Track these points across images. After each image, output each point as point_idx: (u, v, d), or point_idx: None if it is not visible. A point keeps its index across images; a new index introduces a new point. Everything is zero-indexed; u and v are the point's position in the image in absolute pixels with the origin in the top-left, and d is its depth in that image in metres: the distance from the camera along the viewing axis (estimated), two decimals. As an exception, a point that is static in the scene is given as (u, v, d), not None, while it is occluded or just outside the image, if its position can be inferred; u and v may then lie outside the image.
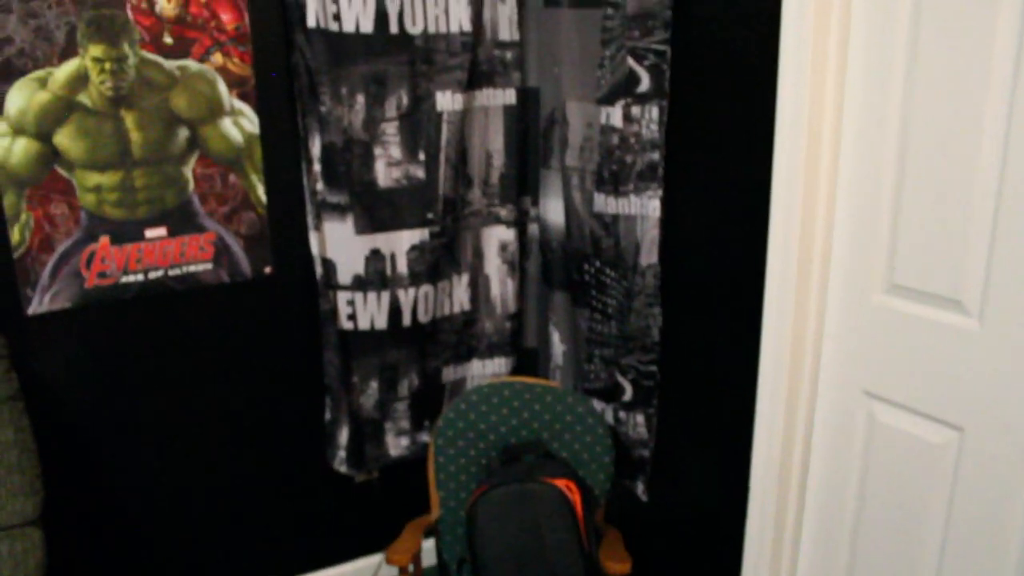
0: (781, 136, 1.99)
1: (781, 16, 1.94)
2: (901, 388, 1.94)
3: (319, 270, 2.50)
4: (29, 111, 2.10)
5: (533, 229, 2.83)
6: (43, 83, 2.09)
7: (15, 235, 2.14)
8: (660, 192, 2.30)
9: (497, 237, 2.76)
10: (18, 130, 2.09)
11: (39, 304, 2.20)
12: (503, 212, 2.75)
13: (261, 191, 2.40)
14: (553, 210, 2.73)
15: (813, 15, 1.89)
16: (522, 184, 2.78)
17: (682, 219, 2.31)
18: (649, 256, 2.35)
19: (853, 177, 1.97)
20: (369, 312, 2.58)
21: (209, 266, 2.38)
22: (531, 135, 2.75)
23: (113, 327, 2.32)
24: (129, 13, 2.14)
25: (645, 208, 2.34)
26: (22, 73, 2.07)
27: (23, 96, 2.08)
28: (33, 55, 2.07)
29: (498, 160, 2.71)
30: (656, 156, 2.29)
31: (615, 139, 2.37)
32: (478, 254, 2.76)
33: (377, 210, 2.52)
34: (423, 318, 2.67)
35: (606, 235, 2.48)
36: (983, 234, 1.73)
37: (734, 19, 2.08)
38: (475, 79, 2.60)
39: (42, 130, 2.12)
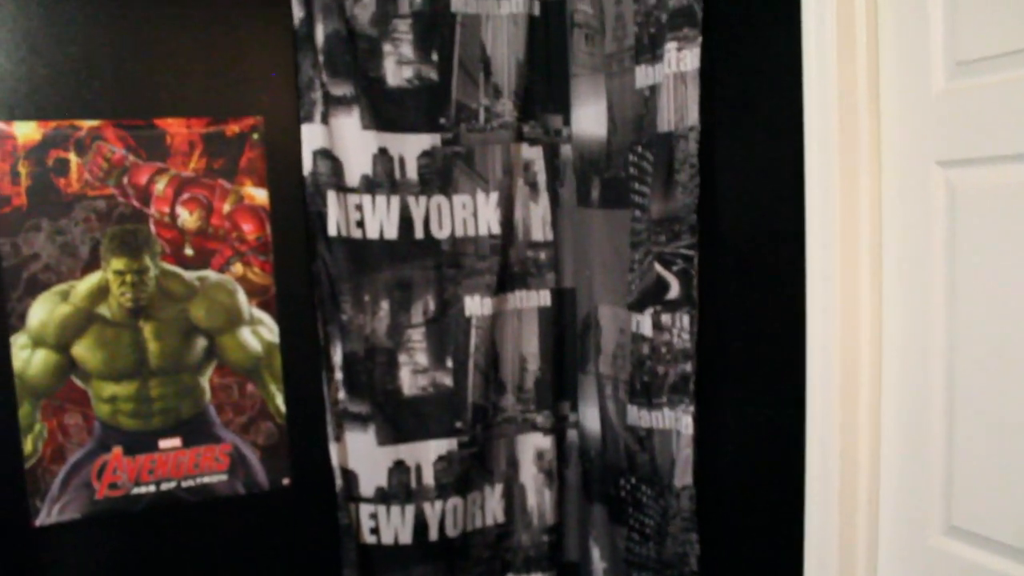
0: (813, 357, 1.83)
1: (805, 220, 1.81)
2: (966, 648, 1.66)
3: (339, 482, 2.39)
4: (50, 323, 2.12)
5: (573, 435, 2.67)
6: (65, 296, 2.12)
7: (28, 446, 2.12)
8: (692, 407, 2.13)
9: (533, 445, 2.61)
10: (38, 342, 2.11)
11: (47, 516, 2.16)
12: (539, 419, 2.61)
13: (280, 400, 2.34)
14: (591, 417, 2.57)
15: (839, 222, 1.76)
16: (559, 389, 2.64)
17: (717, 436, 2.13)
18: (683, 477, 2.15)
19: (898, 403, 1.77)
20: (393, 526, 2.44)
21: (224, 477, 2.31)
22: (569, 337, 2.64)
23: (123, 539, 2.24)
24: (152, 227, 2.18)
25: (679, 423, 2.17)
26: (46, 287, 2.11)
27: (45, 309, 2.11)
28: (58, 270, 2.11)
29: (533, 364, 2.59)
30: (688, 368, 2.13)
31: (646, 348, 2.24)
32: (512, 463, 2.61)
33: (401, 420, 2.43)
34: (452, 532, 2.50)
35: (641, 450, 2.30)
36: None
37: (760, 222, 1.97)
38: (506, 281, 2.53)
39: (61, 342, 2.13)
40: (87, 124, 2.11)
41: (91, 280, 2.14)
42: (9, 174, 2.05)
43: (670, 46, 2.06)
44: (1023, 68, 1.50)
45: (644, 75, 2.20)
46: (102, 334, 2.16)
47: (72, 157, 2.10)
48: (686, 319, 2.13)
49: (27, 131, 2.06)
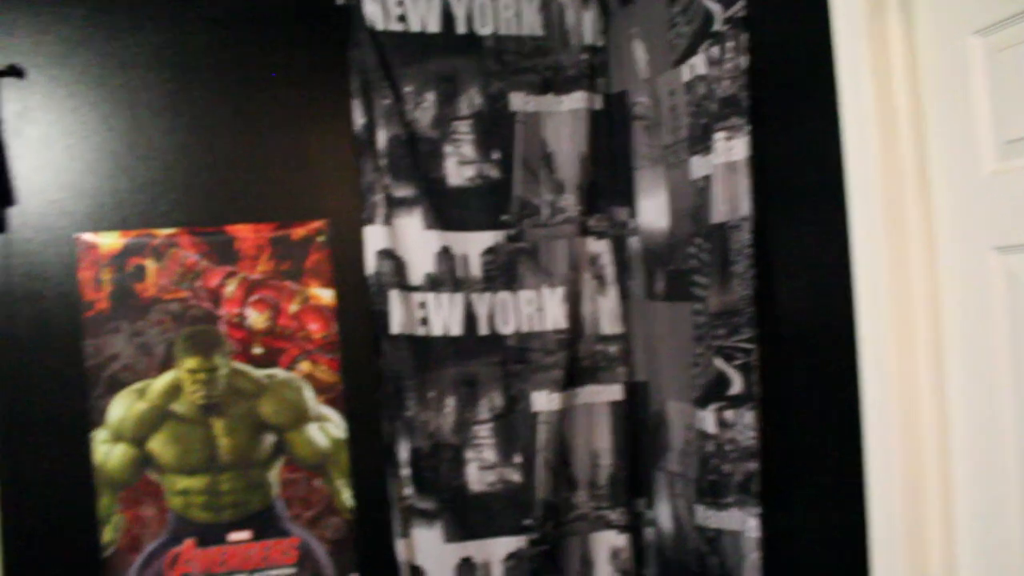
0: (873, 458, 1.71)
1: (856, 312, 1.72)
2: None
3: (406, 578, 2.38)
4: (127, 419, 2.24)
5: (651, 533, 2.57)
6: (141, 393, 2.25)
7: (106, 535, 2.23)
8: (758, 508, 2.02)
9: (608, 543, 2.53)
10: (117, 437, 2.24)
11: (124, 606, 2.25)
12: (614, 516, 2.53)
13: (347, 496, 2.37)
14: (665, 515, 2.47)
15: (891, 315, 1.66)
16: (634, 485, 2.56)
17: (785, 539, 2.00)
18: (751, 583, 2.03)
19: (970, 502, 1.62)
20: (461, 625, 2.40)
21: (292, 571, 2.34)
22: (643, 431, 2.56)
23: (196, 632, 2.31)
24: (223, 328, 2.29)
25: (745, 525, 2.05)
26: (124, 385, 2.24)
27: (123, 406, 2.24)
28: (135, 369, 2.25)
29: (606, 460, 2.53)
30: (753, 466, 2.03)
31: (710, 446, 2.14)
32: (586, 562, 2.53)
33: (468, 516, 2.41)
34: (522, 634, 2.44)
35: (711, 552, 2.19)
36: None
37: (816, 313, 1.88)
38: (576, 376, 2.50)
39: (137, 437, 2.25)
40: (163, 232, 2.26)
41: (165, 378, 2.26)
42: (93, 280, 2.22)
43: (719, 136, 2.02)
44: (1076, 144, 1.39)
45: (698, 166, 2.16)
46: (175, 430, 2.27)
47: (149, 263, 2.24)
48: (749, 415, 2.04)
49: (110, 241, 2.23)
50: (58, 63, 2.24)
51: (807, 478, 1.95)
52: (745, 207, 1.99)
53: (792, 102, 1.91)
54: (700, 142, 2.14)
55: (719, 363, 2.11)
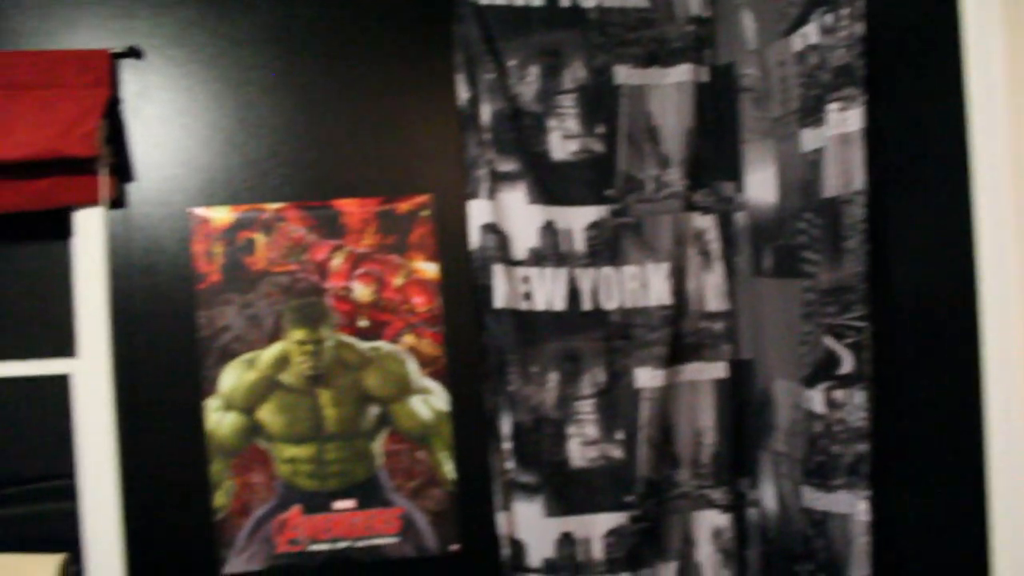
0: (996, 441, 1.64)
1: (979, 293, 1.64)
2: None
3: (506, 551, 2.40)
4: (238, 388, 2.32)
5: (754, 514, 2.53)
6: (251, 364, 2.32)
7: (218, 499, 2.31)
8: (868, 491, 1.96)
9: (710, 522, 2.49)
10: (228, 405, 2.31)
11: (234, 565, 2.33)
12: (716, 495, 2.49)
13: (449, 468, 2.40)
14: (769, 496, 2.42)
15: (1016, 296, 1.58)
16: (738, 464, 2.51)
17: (898, 523, 1.94)
18: (860, 568, 1.97)
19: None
20: (560, 599, 2.41)
21: (395, 540, 2.39)
22: (748, 410, 2.51)
23: (302, 595, 2.38)
24: (329, 300, 2.33)
25: (854, 508, 2.00)
26: (235, 355, 2.31)
27: (234, 375, 2.31)
28: (246, 339, 2.31)
29: (709, 438, 2.49)
30: (863, 448, 1.97)
31: (819, 426, 2.09)
32: (688, 541, 2.50)
33: (570, 491, 2.40)
34: (623, 610, 2.43)
35: (817, 534, 2.14)
36: None
37: (935, 291, 1.81)
38: (679, 353, 2.46)
39: (247, 406, 2.32)
40: (272, 207, 2.32)
41: (274, 349, 2.33)
42: (206, 254, 2.29)
43: (832, 107, 1.95)
44: None
45: (809, 138, 2.09)
46: (283, 400, 2.33)
47: (259, 237, 2.30)
48: (860, 395, 1.97)
49: (221, 215, 2.30)
50: (174, 43, 2.32)
51: (921, 461, 1.89)
52: (859, 180, 1.92)
53: (911, 70, 1.83)
54: (812, 114, 2.07)
55: (829, 341, 2.05)
